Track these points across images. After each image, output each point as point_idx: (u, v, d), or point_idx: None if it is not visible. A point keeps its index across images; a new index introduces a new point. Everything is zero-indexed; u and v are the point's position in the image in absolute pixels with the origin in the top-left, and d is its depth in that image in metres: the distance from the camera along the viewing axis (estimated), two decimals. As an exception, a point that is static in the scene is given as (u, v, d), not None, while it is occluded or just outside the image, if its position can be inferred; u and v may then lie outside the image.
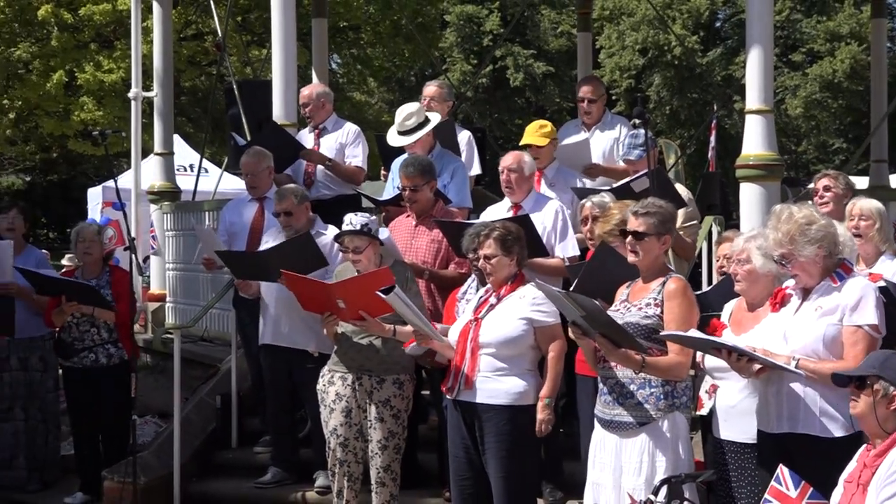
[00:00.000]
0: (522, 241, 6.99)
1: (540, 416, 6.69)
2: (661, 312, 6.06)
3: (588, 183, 9.57)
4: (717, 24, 47.47)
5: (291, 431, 9.05)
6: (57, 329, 9.45)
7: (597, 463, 6.30)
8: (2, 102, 29.38)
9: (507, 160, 8.35)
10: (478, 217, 8.74)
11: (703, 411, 6.70)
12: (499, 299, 6.88)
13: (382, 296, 6.87)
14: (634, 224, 6.21)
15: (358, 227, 7.62)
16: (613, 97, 42.87)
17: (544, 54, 46.50)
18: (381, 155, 10.36)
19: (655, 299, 6.10)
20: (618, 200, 7.57)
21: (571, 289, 6.82)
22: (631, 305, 6.19)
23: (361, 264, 7.67)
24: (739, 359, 5.64)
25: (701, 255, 9.51)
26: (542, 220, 8.09)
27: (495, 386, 6.74)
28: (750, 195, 9.45)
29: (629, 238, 6.21)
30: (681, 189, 8.96)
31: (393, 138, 9.26)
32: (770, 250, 5.77)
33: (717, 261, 7.51)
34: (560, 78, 45.86)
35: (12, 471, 9.71)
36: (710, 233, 9.61)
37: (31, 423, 9.75)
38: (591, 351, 6.25)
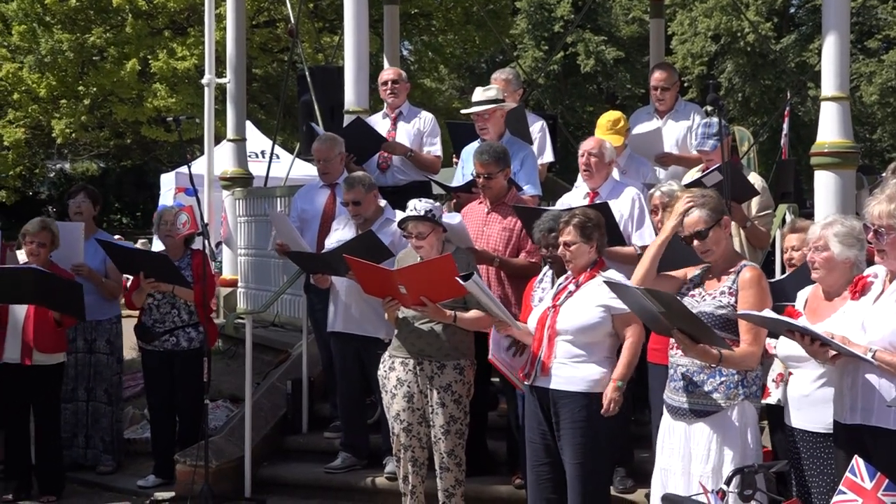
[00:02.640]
0: (602, 228, 6.96)
1: (609, 395, 6.65)
2: (736, 301, 6.01)
3: (661, 172, 9.51)
4: (792, 10, 46.91)
5: (361, 417, 9.08)
6: (137, 311, 9.53)
7: (665, 449, 6.29)
8: (77, 89, 29.71)
9: (588, 144, 8.31)
10: (550, 204, 8.71)
11: (770, 399, 6.65)
12: (577, 286, 6.86)
13: (461, 282, 6.86)
14: (691, 226, 6.17)
15: (422, 213, 7.63)
16: (685, 84, 42.50)
17: (616, 40, 46.20)
18: (452, 141, 10.36)
19: (730, 288, 6.07)
20: (685, 189, 7.52)
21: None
22: (705, 293, 6.15)
23: (423, 250, 7.67)
24: (813, 343, 5.57)
25: (774, 243, 9.41)
26: (619, 208, 8.05)
27: (572, 372, 6.73)
28: (825, 183, 9.36)
29: (695, 243, 6.17)
30: (754, 178, 8.89)
31: (466, 111, 9.28)
32: (871, 219, 5.55)
33: (785, 252, 7.41)
34: (632, 64, 45.56)
35: (71, 450, 9.79)
36: (783, 221, 9.51)
37: (95, 405, 9.84)
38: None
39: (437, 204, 7.91)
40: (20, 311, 8.97)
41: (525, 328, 7.03)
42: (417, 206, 7.68)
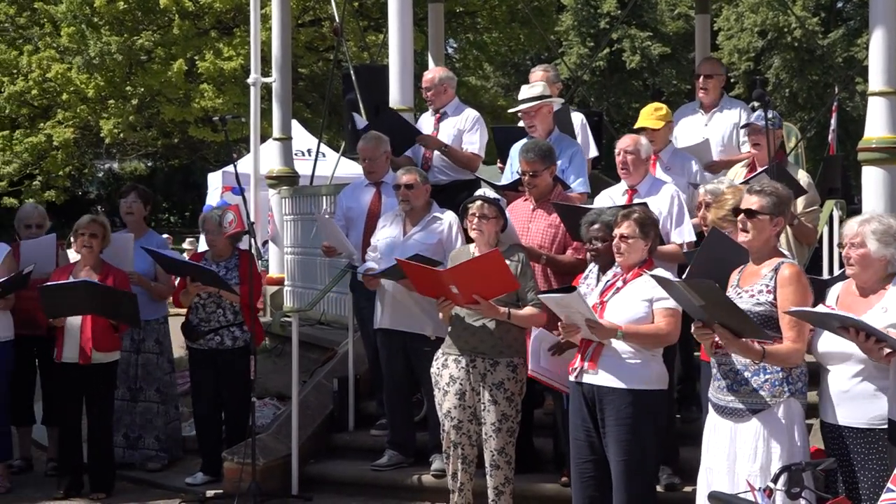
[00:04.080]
0: (657, 229, 6.96)
1: (600, 324, 6.63)
2: (774, 299, 5.98)
3: (709, 177, 9.48)
4: (839, 5, 46.56)
5: (408, 415, 9.10)
6: (185, 310, 9.59)
7: (711, 448, 6.26)
8: (125, 89, 29.95)
9: (624, 142, 8.29)
10: (592, 200, 8.70)
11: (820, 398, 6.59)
12: (625, 283, 6.85)
13: (561, 295, 6.80)
14: (748, 202, 6.16)
15: (491, 198, 7.69)
16: (732, 80, 42.26)
17: (661, 36, 46.04)
18: (496, 146, 10.33)
19: (768, 286, 6.03)
20: (733, 187, 7.49)
21: (684, 276, 6.76)
22: (742, 291, 6.12)
23: (482, 236, 7.70)
24: (868, 339, 5.53)
25: (821, 239, 9.36)
26: (658, 205, 8.01)
27: (618, 369, 6.72)
28: (872, 179, 9.29)
29: (741, 216, 6.15)
30: (801, 174, 8.85)
31: (513, 109, 9.28)
32: None
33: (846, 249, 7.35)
34: (677, 60, 45.40)
35: (121, 449, 9.86)
36: (831, 217, 9.45)
37: (147, 405, 9.90)
38: (710, 346, 6.20)
39: (504, 200, 7.97)
40: (77, 311, 9.06)
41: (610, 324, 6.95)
42: (488, 192, 7.79)
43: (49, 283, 8.99)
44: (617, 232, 6.86)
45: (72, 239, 9.31)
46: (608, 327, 6.68)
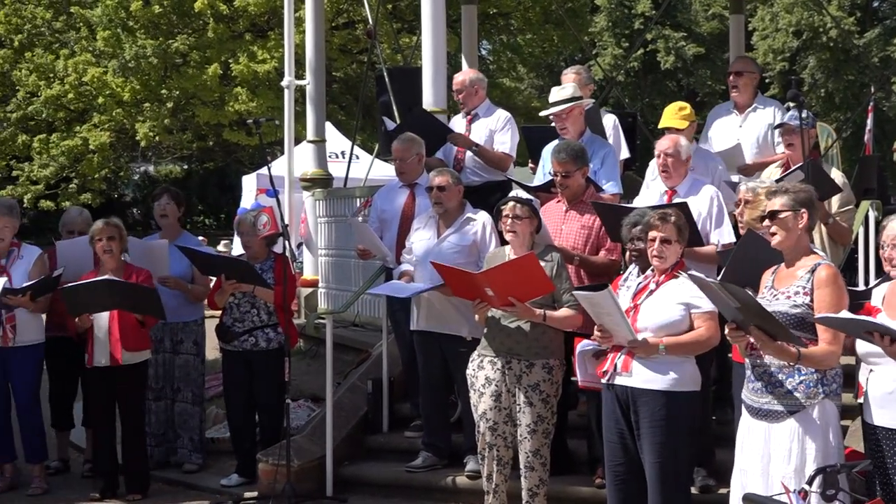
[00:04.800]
0: (688, 229, 6.95)
1: (644, 342, 6.65)
2: (811, 301, 5.95)
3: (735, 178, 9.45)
4: (875, 4, 46.28)
5: (444, 416, 9.10)
6: (219, 312, 9.63)
7: (745, 449, 6.24)
8: (160, 93, 30.10)
9: (664, 144, 8.26)
10: (628, 202, 8.68)
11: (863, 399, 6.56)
12: (657, 285, 6.83)
13: (591, 293, 6.79)
14: (770, 205, 6.16)
15: (524, 198, 7.70)
16: (767, 80, 42.11)
17: (696, 37, 45.92)
18: (528, 147, 10.32)
19: (804, 287, 6.00)
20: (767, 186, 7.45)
21: (719, 278, 6.73)
22: (778, 293, 6.10)
23: (516, 237, 7.70)
24: (893, 343, 5.50)
25: (857, 239, 9.31)
26: (698, 206, 7.98)
27: (652, 371, 6.70)
28: (909, 178, 9.20)
29: (766, 221, 6.14)
30: (836, 174, 8.80)
31: (545, 112, 9.28)
32: None
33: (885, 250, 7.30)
34: (712, 61, 45.25)
35: (160, 447, 9.91)
36: (866, 218, 9.39)
37: (182, 405, 9.95)
38: (744, 347, 6.18)
39: (538, 200, 7.95)
40: (104, 315, 9.07)
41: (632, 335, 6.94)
42: (521, 193, 7.79)
43: (70, 284, 9.05)
44: (657, 235, 6.82)
45: (91, 243, 9.30)
46: (650, 344, 6.67)
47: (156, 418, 9.90)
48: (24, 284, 9.14)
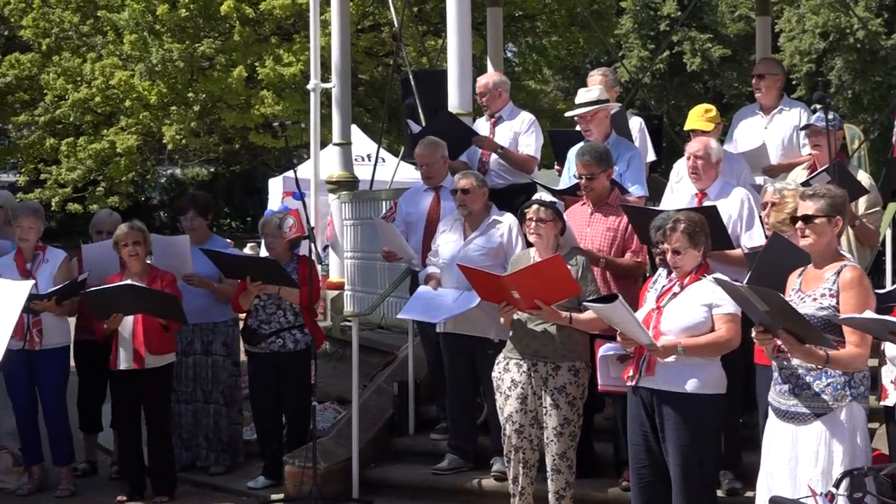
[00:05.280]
0: (707, 230, 6.91)
1: (661, 343, 6.64)
2: (837, 303, 5.93)
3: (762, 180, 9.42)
4: (903, 5, 46.06)
5: (470, 419, 9.09)
6: (244, 314, 9.64)
7: (771, 452, 6.22)
8: (187, 96, 30.22)
9: (694, 146, 8.23)
10: (654, 205, 8.66)
11: (889, 401, 6.54)
12: (682, 288, 6.82)
13: (602, 304, 6.80)
14: (804, 207, 6.11)
15: (547, 201, 7.71)
16: (793, 82, 41.97)
17: (722, 38, 45.78)
18: (554, 150, 10.31)
19: (830, 289, 5.98)
20: (796, 188, 7.42)
21: (746, 280, 6.71)
22: (805, 295, 6.08)
23: (541, 240, 7.70)
24: None
25: (884, 241, 9.26)
26: (728, 209, 7.96)
27: (677, 373, 6.69)
28: (936, 180, 9.17)
29: (799, 223, 6.11)
30: (862, 175, 8.77)
31: (570, 113, 9.28)
32: None
33: None
34: (738, 63, 45.10)
35: (190, 451, 9.95)
36: (893, 219, 9.35)
37: (212, 407, 9.97)
38: (772, 350, 6.16)
39: (562, 203, 7.95)
40: (128, 318, 9.10)
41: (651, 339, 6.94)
42: (544, 196, 7.82)
43: (93, 289, 9.08)
44: (666, 246, 6.82)
45: (116, 248, 9.33)
46: (667, 346, 6.66)
47: (185, 421, 9.92)
48: (49, 290, 9.18)
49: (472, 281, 7.89)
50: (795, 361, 6.04)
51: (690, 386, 6.68)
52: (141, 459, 9.40)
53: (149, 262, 9.42)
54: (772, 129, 9.79)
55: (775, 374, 6.22)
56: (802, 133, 9.34)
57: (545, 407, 7.71)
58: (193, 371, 9.90)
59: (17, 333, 9.06)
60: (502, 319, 7.84)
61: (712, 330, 6.70)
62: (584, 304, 7.26)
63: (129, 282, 9.02)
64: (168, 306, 9.08)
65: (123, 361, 9.12)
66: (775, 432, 6.20)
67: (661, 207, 8.19)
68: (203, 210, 10.12)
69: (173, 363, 9.46)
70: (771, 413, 6.26)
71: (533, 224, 7.70)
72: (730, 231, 7.83)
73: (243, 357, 10.33)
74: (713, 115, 9.07)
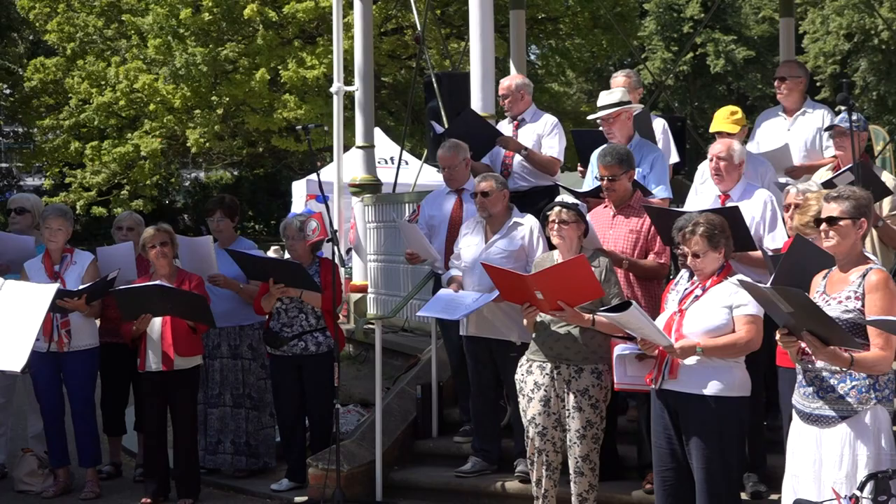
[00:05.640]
0: (728, 232, 6.89)
1: (679, 345, 6.63)
2: (863, 306, 5.90)
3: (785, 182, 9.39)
4: (929, 6, 45.86)
5: (494, 422, 9.09)
6: (266, 317, 9.66)
7: (796, 455, 6.19)
8: (210, 99, 30.28)
9: (717, 148, 8.21)
10: (679, 206, 8.64)
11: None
12: (704, 290, 6.80)
13: (617, 314, 6.80)
14: (828, 210, 6.09)
15: (570, 203, 7.71)
16: (818, 84, 41.83)
17: (746, 40, 45.67)
18: (578, 150, 10.30)
19: (856, 292, 5.95)
20: (819, 190, 7.39)
21: (770, 282, 6.69)
22: (830, 298, 6.05)
23: (564, 242, 7.70)
24: None
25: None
26: (751, 210, 7.94)
27: (700, 376, 6.69)
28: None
29: (823, 225, 6.08)
30: (887, 176, 8.73)
31: (592, 116, 9.27)
32: None
33: None
34: (762, 64, 44.98)
35: (218, 455, 9.97)
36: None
37: (240, 410, 9.99)
38: (796, 353, 6.13)
39: (584, 205, 7.99)
40: (156, 320, 9.14)
41: (671, 341, 6.93)
42: (566, 198, 7.83)
43: (122, 287, 9.12)
44: (686, 250, 6.82)
45: (143, 251, 9.37)
46: (685, 347, 6.65)
47: (212, 425, 9.94)
48: (80, 287, 9.22)
49: (496, 280, 7.89)
50: (820, 364, 6.01)
51: (714, 389, 6.67)
52: (166, 462, 9.44)
53: (176, 264, 9.46)
54: (794, 131, 9.76)
55: (799, 377, 6.20)
56: (826, 135, 9.31)
57: (568, 409, 7.71)
58: (221, 375, 9.92)
59: (44, 335, 9.14)
60: (525, 321, 7.85)
61: (734, 332, 6.69)
62: (598, 314, 7.23)
63: (157, 282, 9.06)
64: (196, 308, 9.10)
65: (152, 363, 9.16)
66: (800, 435, 6.17)
67: (684, 209, 8.16)
68: (230, 212, 10.17)
69: (200, 366, 9.48)
70: (795, 416, 6.24)
71: (555, 226, 7.70)
72: (752, 233, 7.81)
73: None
74: (739, 117, 9.05)
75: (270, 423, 10.15)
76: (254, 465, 9.98)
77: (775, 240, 7.92)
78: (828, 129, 9.19)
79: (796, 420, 6.22)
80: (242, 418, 9.96)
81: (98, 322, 9.73)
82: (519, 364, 7.99)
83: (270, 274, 9.42)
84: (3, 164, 40.86)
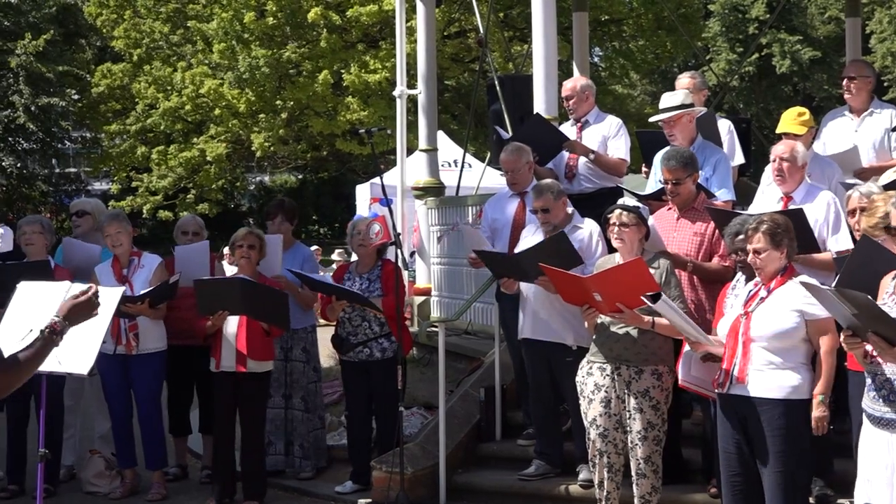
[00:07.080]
0: (791, 233, 6.84)
1: (815, 413, 6.56)
2: (932, 307, 5.83)
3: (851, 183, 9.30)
4: None
5: (555, 424, 9.08)
6: (333, 324, 9.71)
7: (868, 459, 6.11)
8: (274, 104, 30.50)
9: (780, 149, 8.15)
10: (743, 209, 8.59)
11: None
12: (769, 292, 6.75)
13: (649, 303, 6.84)
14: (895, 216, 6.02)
15: (630, 206, 7.70)
16: (885, 84, 41.38)
17: (812, 40, 45.30)
18: (642, 151, 10.27)
19: (924, 293, 5.88)
20: (884, 192, 7.31)
21: (834, 284, 6.63)
22: (900, 299, 5.98)
23: (624, 245, 7.69)
24: None
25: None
26: (814, 213, 7.87)
27: (769, 380, 6.64)
28: None
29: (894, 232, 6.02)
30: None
31: (653, 118, 9.24)
32: None
33: None
34: (829, 65, 44.60)
35: (271, 457, 10.02)
36: None
37: (292, 413, 10.04)
38: (861, 355, 6.07)
39: (646, 207, 7.98)
40: (233, 320, 9.20)
41: (717, 340, 6.93)
42: (627, 201, 7.82)
43: (205, 278, 9.18)
44: (749, 247, 6.78)
45: (225, 251, 9.48)
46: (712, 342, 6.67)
47: (268, 426, 10.01)
48: (142, 292, 9.31)
49: (555, 282, 7.89)
50: (888, 367, 5.95)
51: (782, 392, 6.62)
52: (233, 464, 9.50)
53: (259, 270, 9.52)
54: (862, 131, 9.66)
55: (868, 381, 6.12)
56: (894, 135, 9.21)
57: (629, 411, 7.70)
58: (274, 377, 9.98)
59: (112, 337, 9.24)
60: (586, 323, 7.84)
61: (806, 336, 6.64)
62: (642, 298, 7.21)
63: (241, 276, 9.13)
64: (275, 307, 9.13)
65: (226, 363, 9.24)
66: (871, 440, 6.09)
67: (749, 211, 8.10)
68: (290, 216, 10.25)
69: (271, 371, 9.55)
70: (865, 420, 6.16)
71: (616, 229, 7.69)
72: (816, 235, 7.75)
73: (326, 363, 10.36)
74: (806, 118, 8.97)
75: (319, 425, 10.22)
76: (307, 468, 10.03)
77: (839, 242, 7.84)
78: (894, 129, 9.10)
79: (867, 424, 6.14)
80: (299, 421, 10.02)
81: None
82: (580, 366, 7.98)
83: (332, 294, 9.48)
84: (72, 169, 41.31)
